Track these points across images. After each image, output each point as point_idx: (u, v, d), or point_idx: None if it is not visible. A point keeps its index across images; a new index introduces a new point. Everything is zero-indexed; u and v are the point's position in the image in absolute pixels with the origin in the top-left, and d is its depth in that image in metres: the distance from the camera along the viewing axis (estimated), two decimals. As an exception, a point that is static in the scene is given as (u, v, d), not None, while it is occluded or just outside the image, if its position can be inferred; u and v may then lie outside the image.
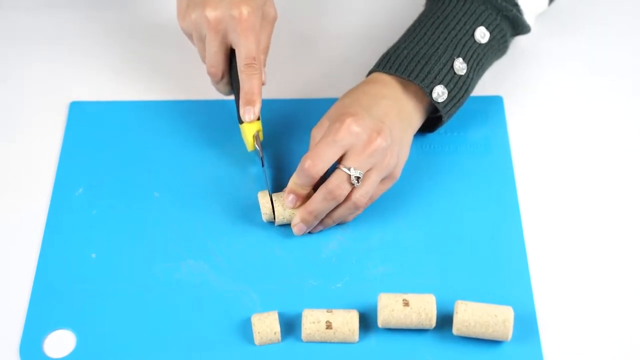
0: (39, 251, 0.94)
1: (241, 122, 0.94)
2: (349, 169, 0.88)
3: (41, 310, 0.90)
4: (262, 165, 0.94)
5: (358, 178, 0.88)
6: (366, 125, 0.88)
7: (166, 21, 1.12)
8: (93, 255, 0.93)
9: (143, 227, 0.95)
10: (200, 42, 0.95)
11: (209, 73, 0.96)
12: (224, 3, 0.91)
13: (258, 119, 0.94)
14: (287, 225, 0.94)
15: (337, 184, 0.88)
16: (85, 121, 1.04)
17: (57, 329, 0.89)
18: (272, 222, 0.94)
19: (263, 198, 0.93)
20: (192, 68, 1.07)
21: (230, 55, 0.95)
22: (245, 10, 0.91)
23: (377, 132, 0.89)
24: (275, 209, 0.92)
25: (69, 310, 0.90)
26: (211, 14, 0.91)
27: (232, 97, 1.00)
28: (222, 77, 0.96)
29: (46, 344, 0.88)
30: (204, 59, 0.96)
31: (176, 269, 0.92)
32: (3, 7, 1.15)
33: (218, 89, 0.98)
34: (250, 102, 0.93)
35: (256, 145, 0.94)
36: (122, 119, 1.04)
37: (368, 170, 0.89)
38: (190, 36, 0.96)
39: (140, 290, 0.91)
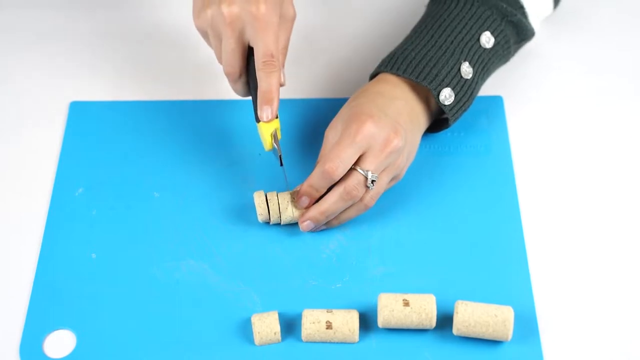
0: (39, 251, 0.94)
1: (258, 120, 0.92)
2: (366, 172, 0.88)
3: (41, 310, 0.90)
4: (281, 164, 0.92)
5: (373, 181, 0.88)
6: (383, 126, 0.88)
7: (166, 21, 1.12)
8: (93, 256, 0.93)
9: (143, 227, 0.95)
10: (217, 40, 0.92)
11: (226, 73, 0.93)
12: None
13: (276, 117, 0.92)
14: (287, 225, 0.94)
15: (354, 185, 0.88)
16: (85, 121, 1.04)
17: (57, 329, 0.89)
18: (268, 222, 0.94)
19: (258, 198, 0.92)
20: (192, 68, 1.07)
21: (248, 55, 0.92)
22: (262, 6, 0.88)
23: (394, 133, 0.89)
24: (270, 209, 0.92)
25: (69, 310, 0.90)
26: (228, 9, 0.89)
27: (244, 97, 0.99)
28: (240, 77, 0.93)
29: (46, 344, 0.88)
30: (219, 59, 0.94)
31: (176, 269, 0.92)
32: (3, 7, 1.15)
33: (235, 90, 0.95)
34: (268, 101, 0.90)
35: (274, 144, 0.92)
36: (122, 119, 1.04)
37: (380, 172, 0.90)
38: (205, 35, 0.93)
39: (140, 290, 0.91)
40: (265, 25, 0.89)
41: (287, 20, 0.92)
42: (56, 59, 1.10)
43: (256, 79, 0.91)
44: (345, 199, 0.89)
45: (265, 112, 0.90)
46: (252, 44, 0.90)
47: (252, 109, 0.93)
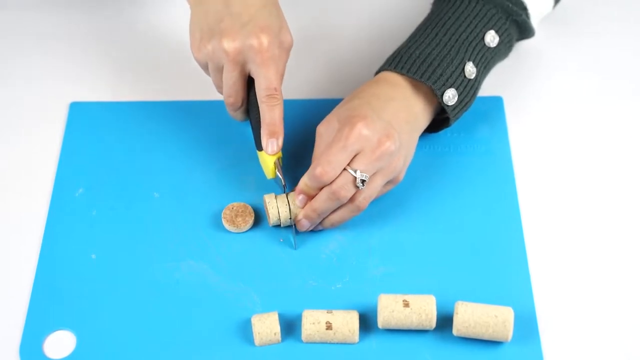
0: (39, 251, 0.94)
1: (260, 149, 0.93)
2: (355, 172, 0.88)
3: (41, 310, 0.90)
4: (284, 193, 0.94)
5: (363, 181, 0.88)
6: (376, 129, 0.88)
7: (166, 21, 1.12)
8: (93, 256, 0.93)
9: (143, 227, 0.95)
10: (217, 72, 0.93)
11: (227, 103, 0.94)
12: (241, 33, 0.89)
13: None
14: (287, 226, 0.94)
15: (342, 185, 0.88)
16: (85, 121, 1.04)
17: (57, 330, 0.89)
18: (277, 226, 0.94)
19: (270, 203, 0.92)
20: (192, 68, 1.07)
21: (248, 83, 0.93)
22: (265, 40, 0.89)
23: (386, 136, 0.88)
24: (271, 214, 0.92)
25: (69, 310, 0.90)
26: (230, 45, 0.89)
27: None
28: (241, 106, 0.94)
29: (46, 345, 0.88)
30: (219, 89, 0.95)
31: (176, 269, 0.92)
32: (3, 7, 1.15)
33: (234, 117, 0.97)
34: (273, 134, 0.91)
35: (277, 173, 0.93)
36: (122, 119, 1.04)
37: (374, 174, 0.89)
38: (205, 66, 0.94)
39: (140, 290, 0.91)
40: (267, 59, 0.89)
41: (284, 49, 0.92)
42: (56, 59, 1.10)
43: (256, 108, 0.92)
44: (332, 199, 0.89)
45: (271, 145, 0.92)
46: (253, 76, 0.91)
47: (251, 124, 0.93)
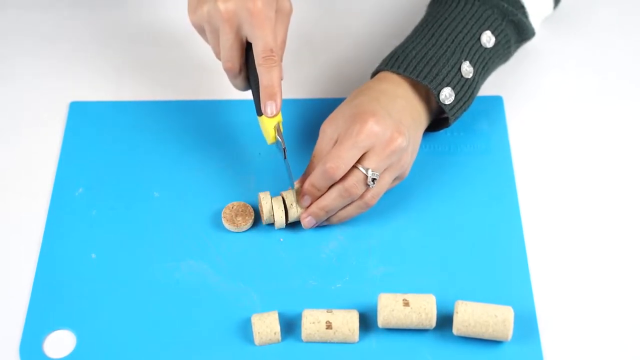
0: (39, 251, 0.94)
1: (260, 114, 0.92)
2: (366, 170, 0.88)
3: (41, 310, 0.90)
4: (285, 157, 0.92)
5: (374, 179, 0.88)
6: (387, 125, 0.88)
7: (166, 21, 1.12)
8: (93, 256, 0.93)
9: (143, 227, 0.95)
10: (214, 36, 0.92)
11: (226, 69, 0.92)
12: None
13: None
14: (286, 225, 0.94)
15: (353, 183, 0.88)
16: (85, 121, 1.04)
17: (57, 329, 0.89)
18: (271, 225, 0.94)
19: (266, 206, 0.92)
20: (192, 68, 1.07)
21: (246, 50, 0.92)
22: (259, 2, 0.88)
23: (397, 132, 0.89)
24: (265, 216, 0.92)
25: (69, 310, 0.90)
26: (224, 6, 0.88)
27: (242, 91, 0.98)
28: (240, 72, 0.93)
29: (46, 344, 0.88)
30: (217, 55, 0.93)
31: (176, 269, 0.92)
32: (3, 7, 1.15)
33: (235, 85, 0.95)
34: (271, 96, 0.90)
35: (277, 137, 0.92)
36: (122, 119, 1.04)
37: (383, 171, 0.90)
38: (201, 30, 0.93)
39: (140, 290, 0.91)
40: (262, 21, 0.88)
41: (284, 15, 0.92)
42: (56, 59, 1.10)
43: (256, 74, 0.91)
44: (344, 197, 0.89)
45: (269, 107, 0.90)
46: (250, 40, 0.90)
47: (254, 107, 0.93)
